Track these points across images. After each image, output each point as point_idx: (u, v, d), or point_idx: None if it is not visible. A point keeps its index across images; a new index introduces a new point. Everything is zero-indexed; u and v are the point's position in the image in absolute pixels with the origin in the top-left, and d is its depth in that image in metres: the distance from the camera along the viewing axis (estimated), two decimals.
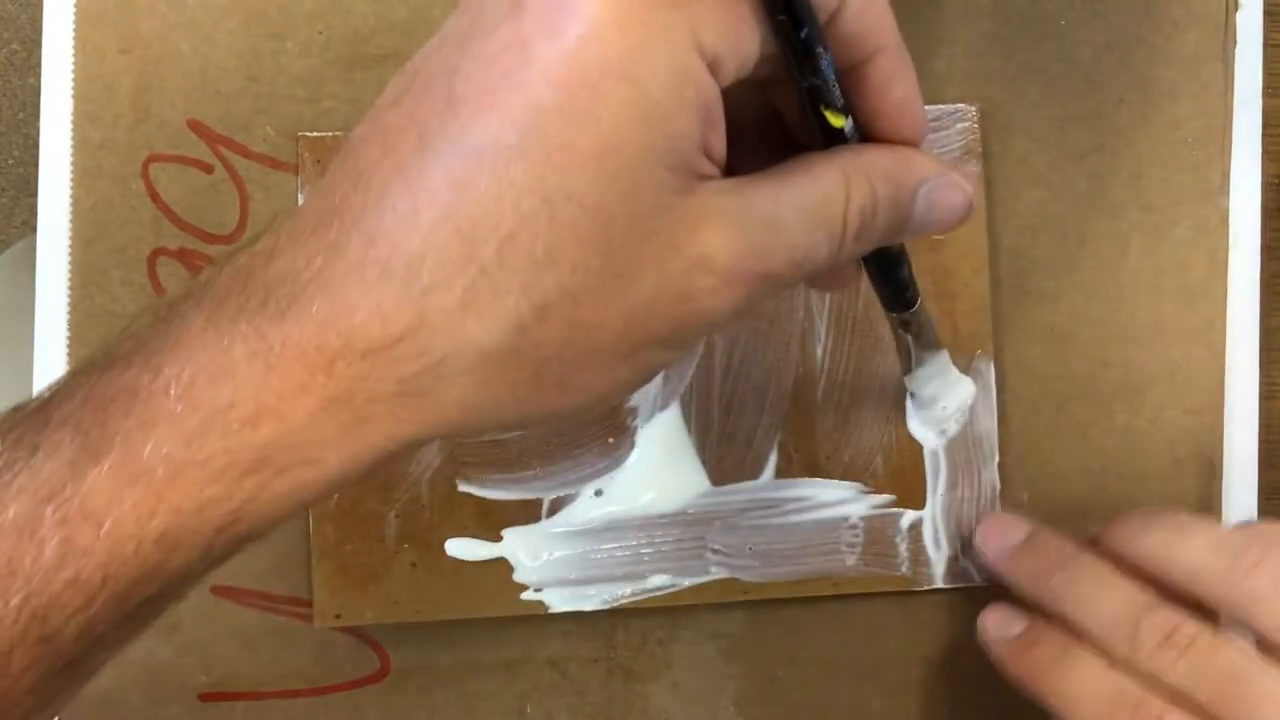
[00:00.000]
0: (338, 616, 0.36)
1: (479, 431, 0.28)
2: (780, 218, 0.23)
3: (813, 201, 0.24)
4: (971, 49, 0.38)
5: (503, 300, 0.21)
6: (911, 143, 0.26)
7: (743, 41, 0.22)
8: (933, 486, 0.38)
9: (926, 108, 0.37)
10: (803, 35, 0.22)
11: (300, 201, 0.36)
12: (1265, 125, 0.39)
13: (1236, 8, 0.39)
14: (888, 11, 0.24)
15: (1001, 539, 0.36)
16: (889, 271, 0.29)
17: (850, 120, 0.24)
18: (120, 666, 0.37)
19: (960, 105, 0.38)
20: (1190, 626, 0.31)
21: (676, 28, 0.21)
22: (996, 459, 0.38)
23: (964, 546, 0.38)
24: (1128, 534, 0.34)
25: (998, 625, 0.35)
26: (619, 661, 0.38)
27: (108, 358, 0.22)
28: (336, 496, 0.36)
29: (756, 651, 0.38)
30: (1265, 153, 0.39)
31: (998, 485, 0.38)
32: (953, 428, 0.37)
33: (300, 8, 0.37)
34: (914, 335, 0.34)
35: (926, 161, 0.26)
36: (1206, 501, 0.39)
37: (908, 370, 0.36)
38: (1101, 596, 0.33)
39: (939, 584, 0.38)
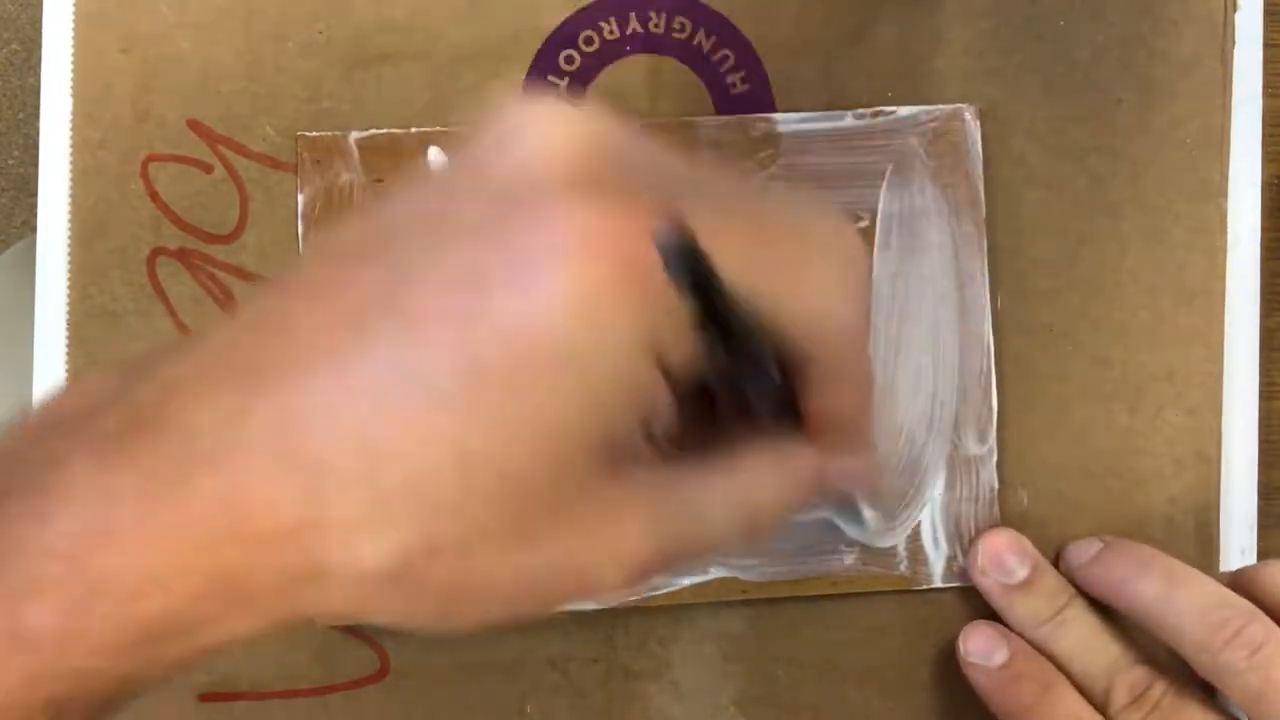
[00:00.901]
0: None
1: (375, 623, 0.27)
2: (705, 511, 0.23)
3: (742, 493, 0.23)
4: (971, 49, 0.38)
5: (397, 532, 0.20)
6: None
7: (690, 346, 0.21)
8: (932, 487, 0.38)
9: (926, 108, 0.37)
10: (739, 368, 0.22)
11: (300, 201, 0.36)
12: (1265, 125, 0.39)
13: (1235, 8, 0.39)
14: (860, 349, 0.24)
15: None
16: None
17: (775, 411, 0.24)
18: None
19: (960, 105, 0.38)
20: (1158, 688, 0.34)
21: (637, 327, 0.20)
22: (995, 459, 0.38)
23: (962, 546, 0.38)
24: (1120, 575, 0.35)
25: (980, 652, 0.36)
26: (619, 661, 0.38)
27: None
28: None
29: (756, 651, 0.38)
30: (1265, 153, 0.39)
31: (996, 485, 0.38)
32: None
33: (300, 8, 0.37)
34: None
35: (846, 462, 0.26)
36: (1206, 501, 0.39)
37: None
38: (1083, 652, 0.35)
39: (938, 583, 0.38)
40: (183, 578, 0.20)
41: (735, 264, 0.21)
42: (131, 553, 0.20)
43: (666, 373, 0.21)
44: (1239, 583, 0.34)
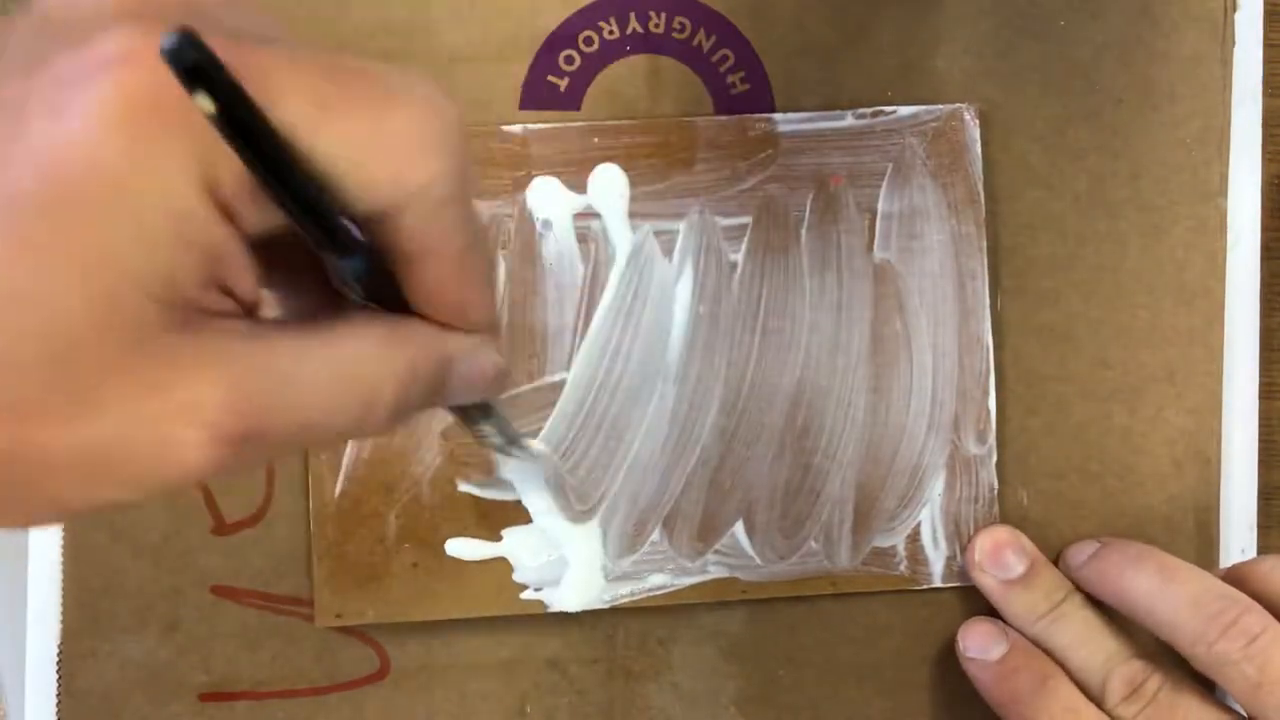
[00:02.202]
0: (338, 616, 0.36)
1: None
2: (299, 376, 0.20)
3: (345, 366, 0.21)
4: (971, 49, 0.38)
5: None
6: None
7: (264, 196, 0.19)
8: (931, 487, 0.38)
9: (926, 108, 0.37)
10: (315, 222, 0.20)
11: None
12: (1265, 125, 0.39)
13: (1235, 8, 0.39)
14: (461, 221, 0.21)
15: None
16: (472, 423, 0.29)
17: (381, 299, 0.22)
18: (120, 666, 0.37)
19: (960, 105, 0.38)
20: (1154, 681, 0.34)
21: (186, 157, 0.18)
22: (995, 459, 0.38)
23: (962, 546, 0.38)
24: (1116, 570, 0.35)
25: (978, 647, 0.36)
26: (619, 661, 0.38)
27: None
28: (338, 495, 0.36)
29: (756, 651, 0.38)
30: (1264, 153, 0.39)
31: (996, 485, 0.38)
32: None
33: (300, 8, 0.37)
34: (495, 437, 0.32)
35: (465, 338, 0.23)
36: (1206, 501, 0.39)
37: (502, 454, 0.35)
38: (1080, 646, 0.35)
39: (937, 583, 0.38)
40: None
41: (294, 98, 0.19)
42: None
43: (231, 216, 0.19)
44: (1233, 578, 0.34)
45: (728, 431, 0.37)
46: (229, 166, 0.18)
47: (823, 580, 0.37)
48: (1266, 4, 0.39)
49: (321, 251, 0.21)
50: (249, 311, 0.21)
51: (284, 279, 0.23)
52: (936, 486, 0.38)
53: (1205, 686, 0.35)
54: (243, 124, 0.18)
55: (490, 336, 0.24)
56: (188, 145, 0.18)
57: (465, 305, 0.23)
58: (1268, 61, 0.39)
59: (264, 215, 0.20)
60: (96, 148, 0.18)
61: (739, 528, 0.37)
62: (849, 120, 0.37)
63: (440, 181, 0.20)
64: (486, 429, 0.31)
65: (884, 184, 0.37)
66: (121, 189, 0.18)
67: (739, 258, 0.37)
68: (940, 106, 0.38)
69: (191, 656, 0.37)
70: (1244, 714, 0.33)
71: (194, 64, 0.17)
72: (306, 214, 0.19)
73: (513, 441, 0.33)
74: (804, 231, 0.37)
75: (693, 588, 0.37)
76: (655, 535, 0.37)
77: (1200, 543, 0.38)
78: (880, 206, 0.37)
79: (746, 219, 0.37)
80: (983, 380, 0.38)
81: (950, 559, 0.38)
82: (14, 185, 0.18)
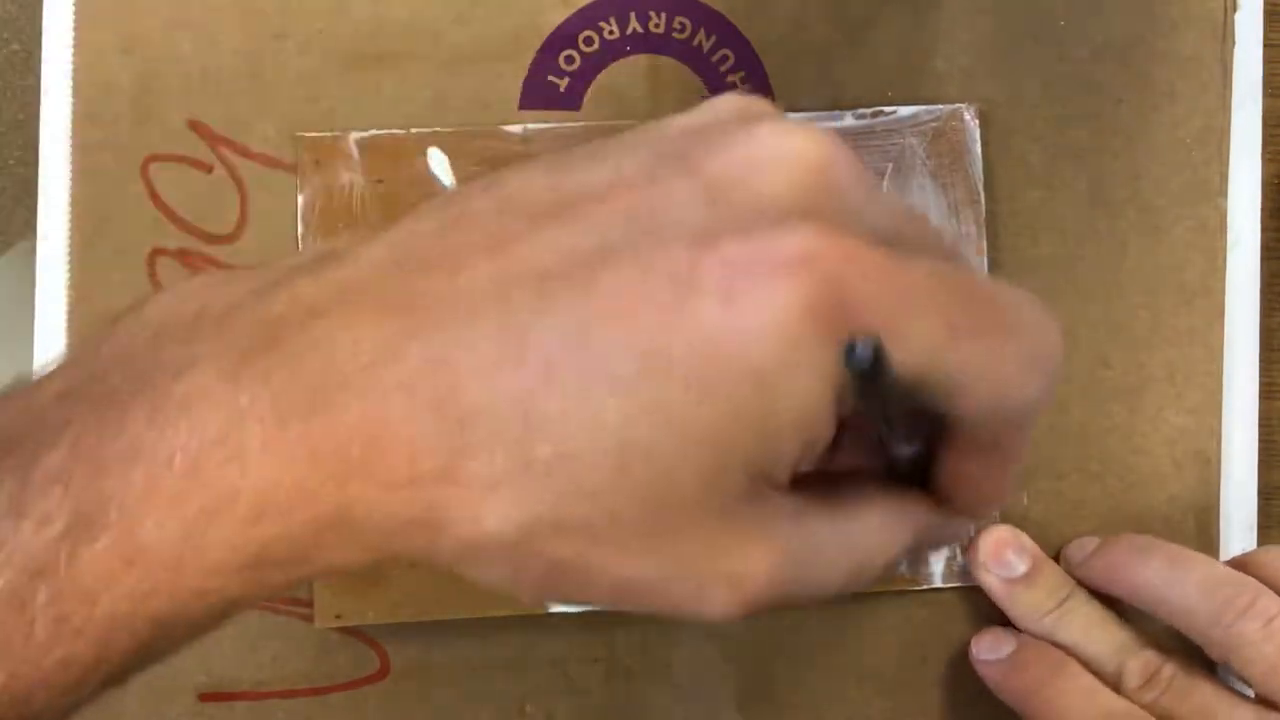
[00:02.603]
0: (338, 616, 0.36)
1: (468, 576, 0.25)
2: (822, 552, 0.22)
3: (853, 539, 0.23)
4: (971, 49, 0.38)
5: (531, 504, 0.19)
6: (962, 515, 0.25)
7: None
8: None
9: (926, 108, 0.37)
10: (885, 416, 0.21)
11: (300, 201, 0.36)
12: (1265, 125, 0.39)
13: (1235, 8, 0.39)
14: (1025, 432, 0.23)
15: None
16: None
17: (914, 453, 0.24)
18: None
19: (960, 105, 0.38)
20: (1168, 669, 0.34)
21: (830, 367, 0.19)
22: None
23: (962, 547, 0.38)
24: (1123, 561, 0.35)
25: (989, 648, 0.37)
26: (619, 661, 0.38)
27: (97, 382, 0.20)
28: None
29: (756, 651, 0.38)
30: (1265, 153, 0.39)
31: None
32: None
33: (300, 8, 0.37)
34: None
35: (953, 521, 0.25)
36: (1206, 501, 0.39)
37: None
38: (1089, 640, 0.35)
39: (937, 583, 0.38)
40: (305, 505, 0.19)
41: (928, 322, 0.20)
42: (256, 473, 0.19)
43: (839, 414, 0.20)
44: (1235, 567, 0.34)
45: None
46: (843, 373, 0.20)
47: None
48: (1266, 4, 0.39)
49: (885, 438, 0.22)
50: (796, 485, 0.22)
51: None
52: None
53: (1214, 672, 0.35)
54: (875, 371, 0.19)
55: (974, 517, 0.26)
56: (835, 355, 0.19)
57: (982, 500, 0.24)
58: (1268, 61, 0.39)
59: (852, 407, 0.21)
60: (759, 344, 0.19)
61: None
62: (849, 120, 0.37)
63: (1034, 404, 0.21)
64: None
65: (884, 184, 0.37)
66: (768, 388, 0.19)
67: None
68: (940, 106, 0.38)
69: (191, 656, 0.37)
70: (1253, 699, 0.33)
71: (869, 368, 0.18)
72: (896, 416, 0.21)
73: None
74: None
75: None
76: None
77: (1200, 543, 0.38)
78: None
79: None
80: None
81: (951, 559, 0.38)
82: (668, 352, 0.19)
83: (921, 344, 0.20)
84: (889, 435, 0.22)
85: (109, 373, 0.20)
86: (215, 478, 0.19)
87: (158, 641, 0.20)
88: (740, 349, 0.19)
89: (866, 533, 0.23)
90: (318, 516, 0.19)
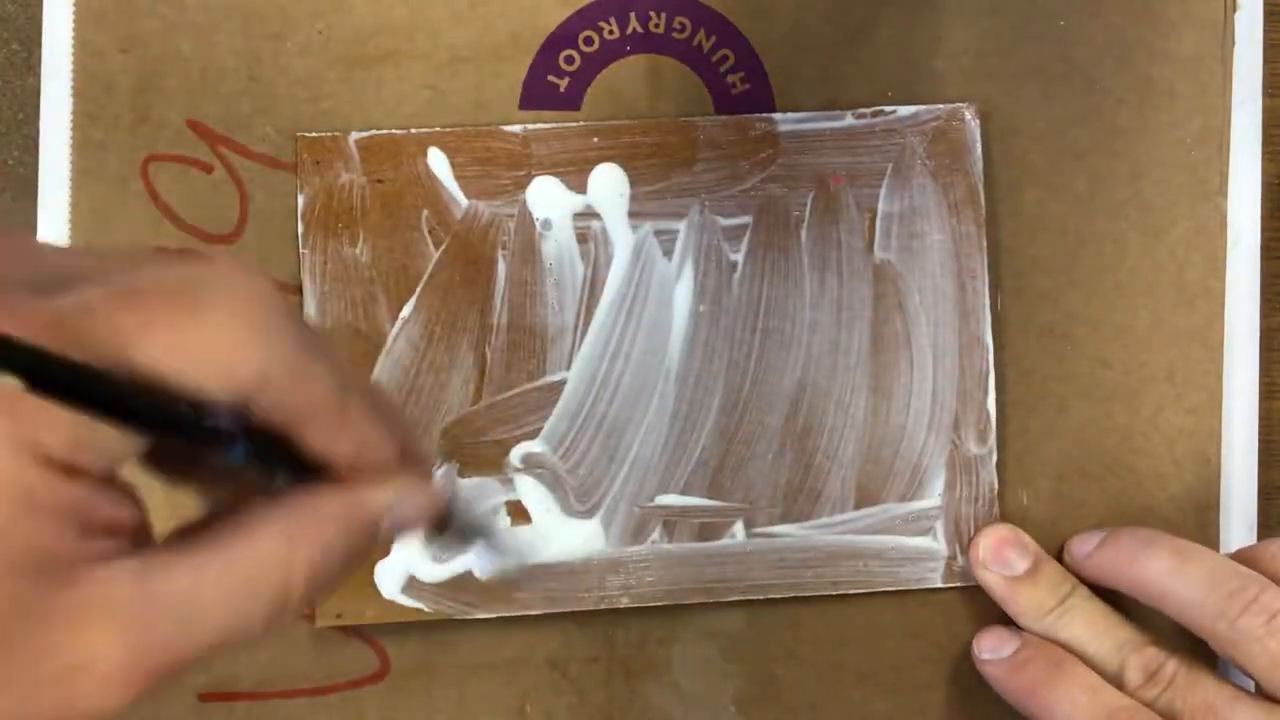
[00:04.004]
0: (338, 616, 0.36)
1: None
2: (200, 598, 0.21)
3: (246, 572, 0.21)
4: (971, 49, 0.38)
5: None
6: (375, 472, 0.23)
7: (107, 435, 0.20)
8: (931, 487, 0.38)
9: (926, 108, 0.37)
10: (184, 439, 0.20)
11: (300, 201, 0.36)
12: (1265, 125, 0.39)
13: (1235, 8, 0.39)
14: (318, 381, 0.22)
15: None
16: (437, 538, 0.28)
17: (285, 474, 0.22)
18: None
19: (960, 105, 0.38)
20: (1171, 665, 0.34)
21: (3, 444, 0.19)
22: (995, 459, 0.38)
23: (962, 547, 0.38)
24: (1127, 554, 0.35)
25: (991, 647, 0.37)
26: (619, 661, 0.38)
27: None
28: None
29: (756, 651, 0.38)
30: (1265, 153, 0.39)
31: (996, 485, 0.38)
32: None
33: (300, 8, 0.37)
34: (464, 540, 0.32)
35: (380, 492, 0.23)
36: (1206, 501, 0.39)
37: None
38: (1091, 637, 0.35)
39: (938, 584, 0.38)
40: None
41: (105, 335, 0.19)
42: None
43: (71, 470, 0.19)
44: (1239, 561, 0.34)
45: (728, 431, 0.37)
46: (48, 424, 0.19)
47: (823, 580, 0.37)
48: (1266, 4, 0.39)
49: (198, 450, 0.21)
50: (140, 537, 0.21)
51: (199, 473, 0.23)
52: (936, 486, 0.38)
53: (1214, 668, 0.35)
54: (58, 380, 0.18)
55: (414, 468, 0.24)
56: (6, 429, 0.18)
57: (364, 451, 0.23)
58: (1268, 61, 0.39)
59: (112, 448, 0.20)
60: None
61: (739, 527, 0.37)
62: (849, 120, 0.37)
63: (271, 363, 0.21)
64: (454, 538, 0.30)
65: (884, 184, 0.37)
66: None
67: (739, 257, 0.37)
68: (940, 106, 0.38)
69: None
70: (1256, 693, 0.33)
71: None
72: (155, 428, 0.20)
73: (484, 535, 0.33)
74: (804, 231, 0.37)
75: (693, 588, 0.37)
76: (656, 535, 0.37)
77: (1200, 543, 0.38)
78: (880, 206, 0.37)
79: (746, 219, 0.37)
80: (983, 380, 0.38)
81: (950, 559, 0.38)
82: None
83: (98, 349, 0.19)
84: (181, 445, 0.21)
85: None
86: None
87: None
88: None
89: (258, 558, 0.21)
90: None
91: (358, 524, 0.23)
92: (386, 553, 0.36)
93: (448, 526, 0.28)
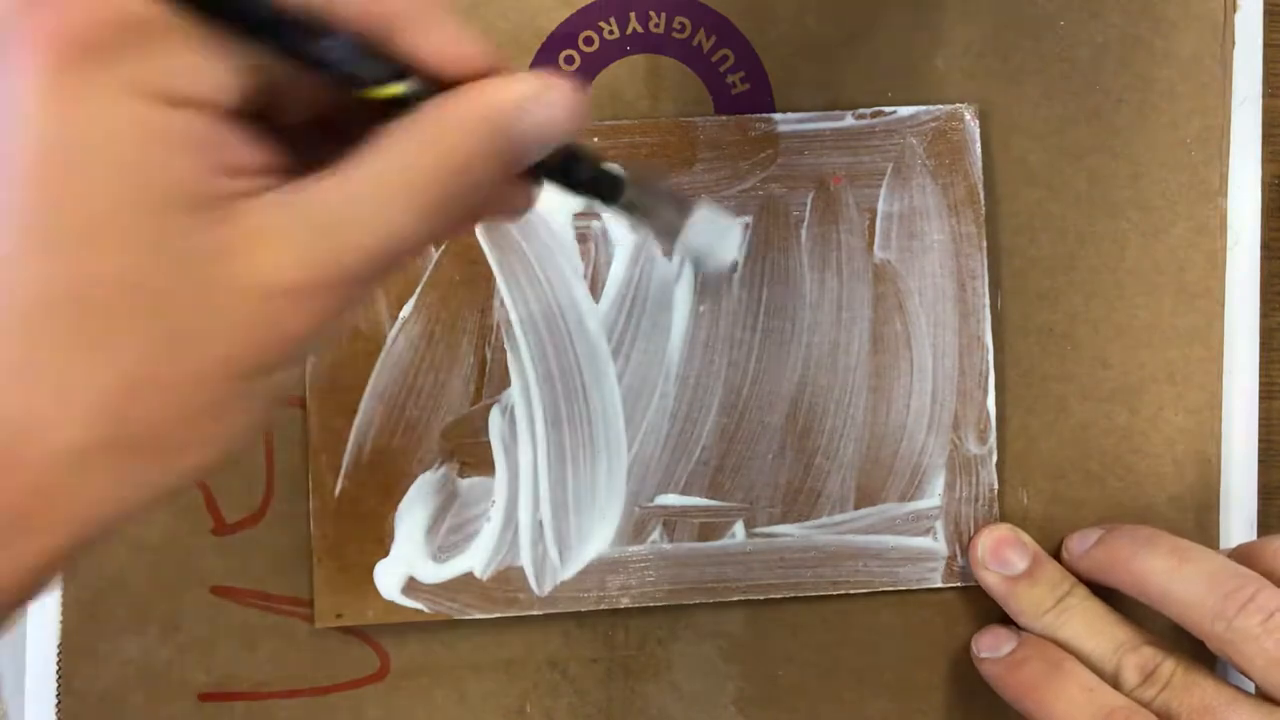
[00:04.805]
0: (339, 616, 0.36)
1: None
2: (348, 211, 0.21)
3: (389, 182, 0.21)
4: (971, 49, 0.38)
5: (78, 393, 0.19)
6: (483, 74, 0.23)
7: (215, 67, 0.20)
8: (931, 487, 0.38)
9: (926, 108, 0.37)
10: (287, 47, 0.21)
11: None
12: (1265, 125, 0.39)
13: (1235, 8, 0.39)
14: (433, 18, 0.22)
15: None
16: (567, 179, 0.25)
17: (411, 81, 0.22)
18: (120, 666, 0.37)
19: (960, 105, 0.38)
20: (1168, 665, 0.34)
21: (116, 86, 0.19)
22: (995, 459, 0.38)
23: (962, 547, 0.38)
24: (1125, 552, 0.35)
25: (989, 646, 0.37)
26: (619, 661, 0.38)
27: None
28: (338, 495, 0.36)
29: (756, 651, 0.38)
30: (1264, 153, 0.39)
31: (996, 485, 0.38)
32: (730, 261, 0.33)
33: None
34: (647, 214, 0.28)
35: (508, 84, 0.23)
36: (1206, 501, 0.39)
37: (670, 249, 0.35)
38: (1089, 637, 0.35)
39: (938, 584, 0.38)
40: None
41: None
42: None
43: (198, 103, 0.20)
44: (1239, 558, 0.34)
45: (728, 431, 0.37)
46: (162, 66, 0.20)
47: (823, 580, 0.37)
48: (1266, 4, 0.39)
49: (309, 58, 0.21)
50: (278, 176, 0.21)
51: (319, 133, 0.23)
52: (936, 486, 0.38)
53: (1213, 668, 0.35)
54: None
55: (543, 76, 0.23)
56: (113, 76, 0.19)
57: (463, 46, 0.22)
58: (1268, 61, 0.39)
59: (225, 86, 0.20)
60: (53, 128, 0.19)
61: (739, 527, 0.37)
62: (849, 120, 0.37)
63: None
64: (628, 203, 0.27)
65: (884, 184, 0.37)
66: (88, 149, 0.19)
67: (739, 258, 0.37)
68: (940, 106, 0.38)
69: (191, 656, 0.37)
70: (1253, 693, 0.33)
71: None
72: (271, 35, 0.21)
73: (661, 207, 0.28)
74: (804, 231, 0.37)
75: (693, 588, 0.37)
76: (656, 535, 0.37)
77: (1200, 542, 0.38)
78: (880, 206, 0.37)
79: (746, 219, 0.37)
80: (983, 380, 0.38)
81: (950, 559, 0.38)
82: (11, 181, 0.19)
83: None
84: (311, 59, 0.21)
85: None
86: None
87: None
88: (45, 142, 0.19)
89: (395, 159, 0.21)
90: None
91: (490, 125, 0.22)
92: (386, 553, 0.36)
93: (621, 191, 0.26)
